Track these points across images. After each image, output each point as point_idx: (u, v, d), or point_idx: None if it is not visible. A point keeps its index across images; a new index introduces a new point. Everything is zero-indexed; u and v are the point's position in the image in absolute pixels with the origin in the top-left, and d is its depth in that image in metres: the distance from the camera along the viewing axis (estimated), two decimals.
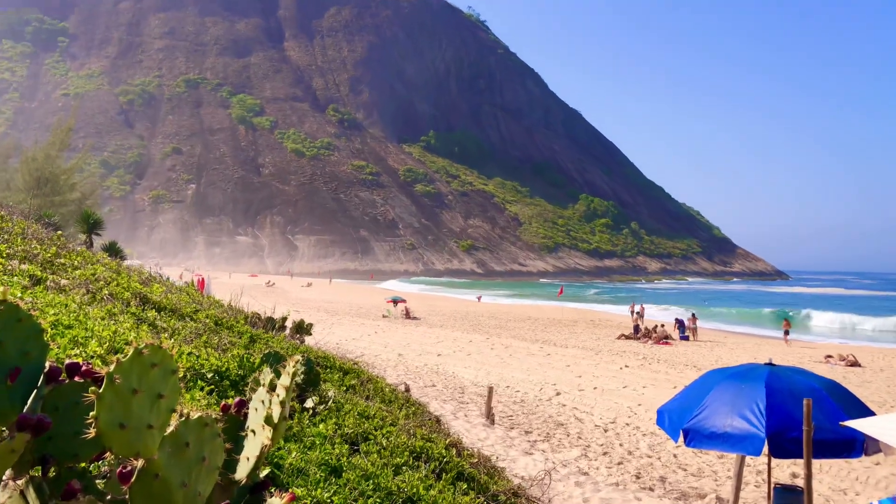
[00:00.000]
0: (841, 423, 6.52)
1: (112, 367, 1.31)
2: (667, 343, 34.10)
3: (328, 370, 7.82)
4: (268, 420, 1.71)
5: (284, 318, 11.51)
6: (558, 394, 18.24)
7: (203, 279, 35.77)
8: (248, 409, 1.83)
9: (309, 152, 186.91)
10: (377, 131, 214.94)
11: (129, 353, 1.35)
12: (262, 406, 1.78)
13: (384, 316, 43.28)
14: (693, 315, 39.25)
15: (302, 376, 5.19)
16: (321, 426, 4.67)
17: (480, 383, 18.90)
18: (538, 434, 13.71)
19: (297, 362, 1.86)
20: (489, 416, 14.02)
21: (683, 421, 7.23)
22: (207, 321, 7.92)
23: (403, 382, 14.61)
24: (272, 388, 1.80)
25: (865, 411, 7.31)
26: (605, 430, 14.38)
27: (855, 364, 27.48)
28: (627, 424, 15.03)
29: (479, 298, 73.91)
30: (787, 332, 37.53)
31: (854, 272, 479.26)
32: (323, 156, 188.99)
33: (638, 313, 42.13)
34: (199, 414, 1.46)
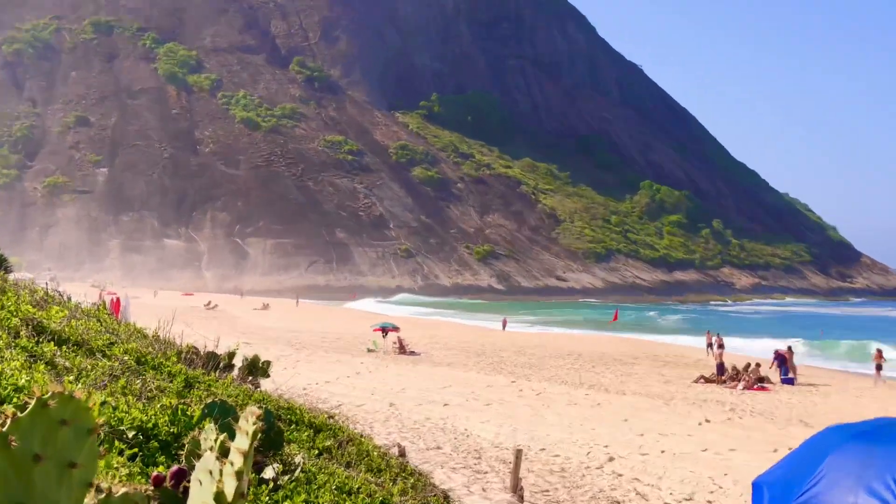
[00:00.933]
0: None
1: (6, 425, 1.24)
2: (763, 388, 33.98)
3: (294, 427, 7.82)
4: (218, 498, 1.66)
5: (232, 354, 11.53)
6: (612, 459, 18.17)
7: (118, 299, 35.84)
8: (188, 481, 1.82)
9: (265, 123, 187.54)
10: (360, 94, 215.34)
11: (31, 406, 1.28)
12: (210, 478, 1.73)
13: (370, 350, 43.28)
14: (789, 348, 39.06)
15: (259, 436, 5.19)
16: None
17: (504, 444, 18.85)
18: None
19: (258, 417, 1.83)
20: (516, 490, 13.98)
21: (789, 499, 7.18)
22: (127, 358, 7.91)
23: (397, 444, 14.60)
24: (223, 452, 1.77)
25: None
26: None
27: None
28: (710, 502, 14.96)
29: (503, 325, 73.97)
30: (879, 368, 37.77)
31: None
32: (285, 128, 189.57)
33: (719, 345, 42.08)
34: (125, 489, 1.41)
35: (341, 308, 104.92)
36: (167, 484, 1.69)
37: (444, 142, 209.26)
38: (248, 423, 1.74)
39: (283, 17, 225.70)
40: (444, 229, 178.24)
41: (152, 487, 1.61)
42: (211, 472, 1.66)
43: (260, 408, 5.42)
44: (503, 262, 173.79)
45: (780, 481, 7.62)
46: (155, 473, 1.73)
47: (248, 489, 4.71)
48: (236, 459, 1.62)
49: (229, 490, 1.55)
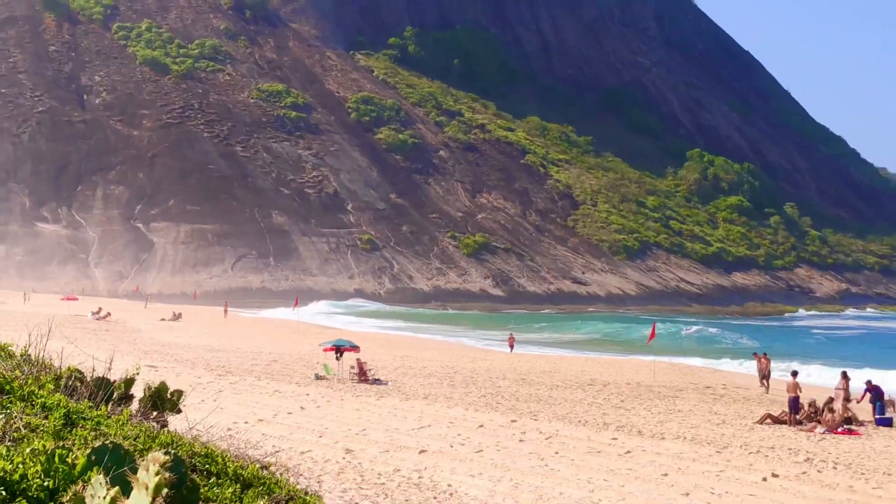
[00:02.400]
0: None
1: None
2: (852, 432, 34.12)
3: (214, 480, 7.79)
4: None
5: (130, 382, 11.49)
6: None
7: None
8: None
9: (178, 66, 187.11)
10: (307, 28, 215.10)
11: None
12: None
13: (319, 377, 43.23)
14: (868, 383, 39.20)
15: (166, 491, 5.17)
16: None
17: None
18: None
19: (161, 465, 1.82)
20: None
21: None
22: None
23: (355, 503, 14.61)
24: None
25: None
26: None
27: None
28: None
29: (510, 343, 74.26)
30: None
31: None
32: (205, 73, 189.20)
33: (793, 374, 42.28)
34: None
35: (285, 320, 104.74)
36: None
37: (421, 94, 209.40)
38: (148, 473, 1.76)
39: None
40: (420, 213, 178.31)
41: None
42: None
43: (167, 454, 5.39)
44: (502, 259, 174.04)
45: None
46: None
47: None
48: None
49: None
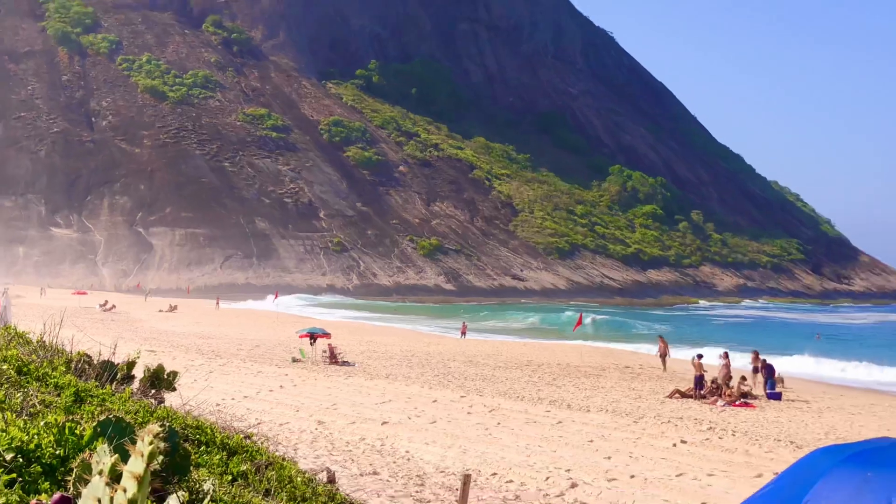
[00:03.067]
0: None
1: None
2: (747, 404, 34.43)
3: (204, 448, 7.75)
4: None
5: (132, 364, 11.39)
6: (575, 485, 18.30)
7: None
8: None
9: (174, 93, 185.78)
10: (286, 61, 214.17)
11: None
12: None
13: (295, 360, 43.10)
14: (756, 353, 39.48)
15: (162, 458, 5.14)
16: None
17: (451, 469, 18.89)
18: None
19: (155, 436, 1.79)
20: None
21: None
22: (5, 367, 7.80)
23: (326, 468, 14.55)
24: (114, 477, 1.72)
25: None
26: None
27: None
28: None
29: (462, 330, 74.15)
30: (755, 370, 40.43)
31: None
32: (197, 99, 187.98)
33: (698, 356, 42.62)
34: None
35: (268, 311, 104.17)
36: None
37: (384, 117, 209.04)
38: (143, 443, 1.73)
39: None
40: (383, 220, 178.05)
41: None
42: (100, 501, 1.66)
43: (161, 426, 5.36)
44: (453, 259, 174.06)
45: None
46: (33, 501, 1.70)
47: None
48: (129, 485, 1.58)
49: None
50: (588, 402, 32.61)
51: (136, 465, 1.59)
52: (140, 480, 1.55)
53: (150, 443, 1.67)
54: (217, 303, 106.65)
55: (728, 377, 37.02)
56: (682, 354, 53.84)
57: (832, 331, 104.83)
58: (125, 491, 1.54)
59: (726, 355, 39.13)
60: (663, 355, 48.07)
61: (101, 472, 1.73)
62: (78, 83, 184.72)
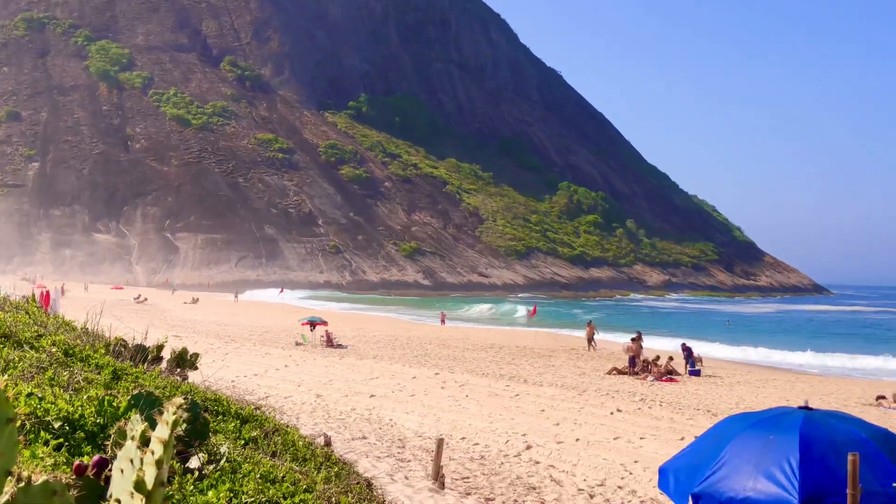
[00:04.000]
0: (895, 484, 6.73)
1: None
2: (672, 380, 34.65)
3: (220, 417, 7.74)
4: (138, 486, 1.65)
5: (161, 347, 11.33)
6: (530, 447, 18.35)
7: (48, 292, 34.97)
8: (110, 470, 1.78)
9: (196, 121, 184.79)
10: (290, 94, 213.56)
11: None
12: (131, 467, 1.72)
13: (298, 343, 42.98)
14: (639, 334, 39.62)
15: (185, 426, 5.12)
16: (210, 493, 4.61)
17: (427, 434, 18.91)
18: (503, 502, 13.76)
19: (178, 407, 1.80)
20: (438, 477, 14.04)
21: (693, 483, 7.36)
22: (54, 350, 7.75)
23: (323, 434, 14.53)
24: (144, 442, 1.75)
25: None
26: (591, 496, 14.52)
27: None
28: (620, 488, 15.20)
29: (442, 319, 74.09)
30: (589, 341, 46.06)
31: None
32: (216, 126, 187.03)
33: (633, 339, 42.70)
34: (45, 478, 1.40)
35: (274, 303, 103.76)
36: (89, 472, 1.66)
37: (372, 141, 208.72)
38: (168, 413, 1.75)
39: (214, 17, 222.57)
40: (371, 227, 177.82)
41: (74, 476, 1.58)
42: (132, 461, 1.76)
43: (185, 399, 5.35)
44: (429, 259, 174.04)
45: (684, 467, 7.79)
46: (77, 462, 1.70)
47: (173, 478, 4.66)
48: (156, 448, 1.67)
49: (149, 478, 1.69)
50: (541, 378, 32.69)
51: (162, 432, 1.60)
52: (165, 444, 1.57)
53: (174, 413, 1.68)
54: (236, 296, 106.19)
55: (639, 353, 37.03)
56: (617, 338, 54.16)
57: (740, 319, 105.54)
58: (153, 453, 1.56)
59: (639, 336, 39.16)
60: (590, 338, 48.30)
61: (132, 438, 1.75)
62: (116, 112, 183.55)
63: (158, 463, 1.70)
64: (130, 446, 1.69)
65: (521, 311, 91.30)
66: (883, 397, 29.97)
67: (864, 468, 6.79)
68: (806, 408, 8.08)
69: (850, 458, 6.67)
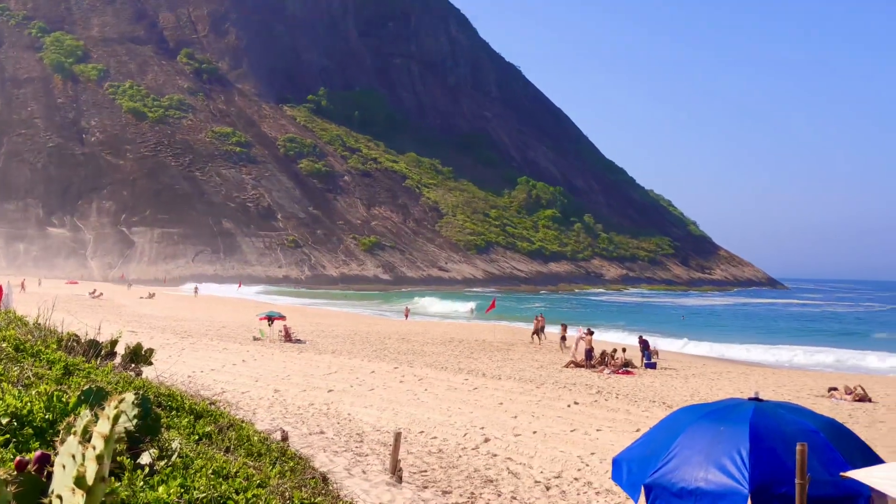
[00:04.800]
0: (842, 473, 6.85)
1: None
2: (628, 372, 34.95)
3: (174, 413, 7.67)
4: (79, 482, 1.62)
5: (115, 342, 11.21)
6: (487, 440, 18.42)
7: (0, 287, 34.41)
8: (52, 465, 1.81)
9: (153, 114, 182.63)
10: (248, 87, 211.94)
11: None
12: (73, 462, 1.71)
13: (255, 339, 42.70)
14: (589, 331, 39.93)
15: (135, 421, 5.07)
16: (161, 489, 4.57)
17: (385, 428, 18.91)
18: (460, 494, 13.80)
19: (120, 402, 1.79)
20: (395, 471, 14.04)
21: (645, 474, 7.43)
22: (4, 346, 7.66)
23: (280, 428, 14.47)
24: (87, 437, 1.78)
25: (873, 458, 7.71)
26: (548, 488, 14.61)
27: (864, 399, 28.88)
28: (577, 479, 15.31)
29: (406, 314, 73.91)
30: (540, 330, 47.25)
31: (866, 281, 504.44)
32: (172, 119, 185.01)
33: (588, 332, 42.93)
34: None
35: (234, 298, 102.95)
36: (30, 468, 1.65)
37: (331, 135, 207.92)
38: (109, 408, 1.75)
39: (171, 9, 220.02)
40: (331, 221, 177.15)
41: (14, 472, 1.58)
42: (73, 457, 1.75)
43: (136, 394, 5.29)
44: (389, 253, 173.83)
45: (637, 459, 7.86)
46: (18, 458, 1.69)
47: (122, 474, 4.60)
48: (98, 443, 1.59)
49: (90, 474, 1.67)
50: (499, 372, 32.81)
51: (103, 427, 1.60)
52: (107, 439, 1.58)
53: (115, 408, 1.70)
54: (196, 290, 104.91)
55: (590, 350, 37.30)
56: (572, 332, 54.48)
57: (695, 312, 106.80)
58: (94, 448, 1.57)
59: (590, 332, 39.44)
60: (537, 331, 48.65)
61: (75, 433, 1.74)
62: (71, 105, 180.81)
63: (99, 458, 1.68)
64: (73, 442, 1.69)
65: (464, 306, 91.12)
66: (834, 389, 30.50)
67: (812, 458, 6.91)
68: (756, 399, 8.20)
69: (798, 448, 6.78)
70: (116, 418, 1.69)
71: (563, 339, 48.02)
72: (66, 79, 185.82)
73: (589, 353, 36.85)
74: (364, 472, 14.20)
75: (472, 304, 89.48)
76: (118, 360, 11.14)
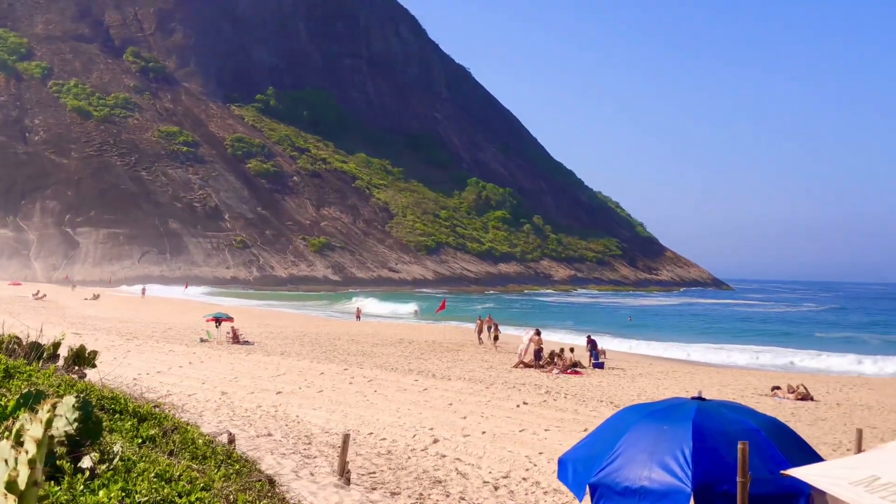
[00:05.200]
0: (783, 471, 6.96)
1: None
2: (577, 372, 35.19)
3: (118, 416, 7.56)
4: (10, 486, 1.62)
5: (57, 345, 11.03)
6: (437, 441, 18.43)
7: None
8: None
9: (98, 112, 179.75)
10: (195, 86, 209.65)
11: None
12: (5, 467, 1.70)
13: (202, 340, 42.25)
14: (537, 331, 40.10)
15: (75, 425, 4.99)
16: (101, 493, 4.50)
17: (334, 430, 18.82)
18: (409, 496, 13.79)
19: (54, 405, 1.78)
20: (343, 473, 13.98)
21: (590, 474, 7.49)
22: None
23: (227, 431, 14.32)
24: (19, 441, 1.77)
25: (813, 456, 7.86)
26: (496, 488, 14.66)
27: (807, 397, 29.46)
28: (525, 479, 15.38)
29: (357, 315, 73.37)
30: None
31: (809, 282, 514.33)
32: (118, 117, 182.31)
33: (536, 332, 43.16)
34: None
35: (181, 299, 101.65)
36: None
37: (280, 135, 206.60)
38: (42, 411, 1.74)
39: (117, 7, 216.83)
40: (280, 221, 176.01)
41: None
42: (6, 461, 1.72)
43: (77, 397, 5.21)
44: (338, 254, 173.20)
45: (582, 458, 7.92)
46: None
47: (62, 478, 4.53)
48: (30, 447, 1.57)
49: (22, 478, 1.67)
50: (449, 372, 32.86)
51: (35, 430, 1.59)
52: (39, 443, 1.56)
53: (48, 411, 1.69)
54: (143, 292, 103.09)
55: (539, 350, 37.57)
56: (519, 332, 54.76)
57: (642, 312, 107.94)
58: (27, 452, 1.56)
59: (537, 332, 39.68)
60: (480, 331, 48.86)
61: (7, 437, 1.73)
62: (14, 103, 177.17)
63: (31, 462, 1.67)
64: (5, 446, 1.69)
65: (406, 307, 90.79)
66: (778, 388, 31.05)
67: (753, 456, 7.02)
68: (699, 398, 8.31)
69: (739, 446, 6.88)
70: (50, 422, 1.68)
71: (480, 332, 48.64)
72: (10, 77, 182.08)
73: (538, 353, 37.07)
74: (312, 474, 14.12)
75: (415, 306, 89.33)
76: (61, 362, 10.97)
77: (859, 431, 13.54)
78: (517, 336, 48.88)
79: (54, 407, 1.75)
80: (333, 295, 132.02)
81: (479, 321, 50.38)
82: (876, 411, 27.60)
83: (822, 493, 6.94)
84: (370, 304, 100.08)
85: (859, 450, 12.72)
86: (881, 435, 21.62)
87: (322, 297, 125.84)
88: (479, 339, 48.30)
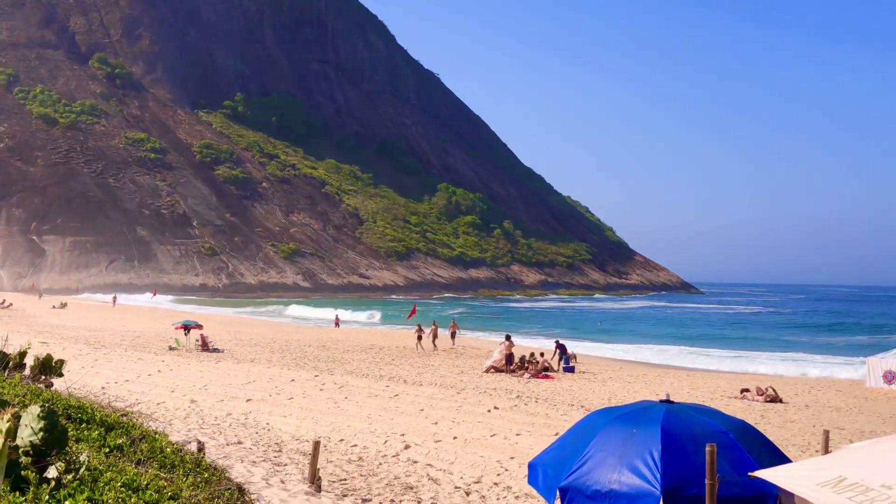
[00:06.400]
0: (751, 473, 7.02)
1: None
2: (548, 377, 35.28)
3: (84, 425, 7.48)
4: None
5: (23, 354, 10.91)
6: (408, 447, 18.40)
7: None
8: None
9: (64, 119, 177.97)
10: (162, 92, 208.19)
11: None
12: None
13: (171, 348, 41.92)
14: (507, 337, 40.17)
15: (40, 434, 4.93)
16: (67, 503, 4.45)
17: (304, 437, 18.74)
18: (380, 502, 13.76)
19: (13, 415, 1.79)
20: (314, 480, 13.93)
21: (560, 478, 7.51)
22: None
23: (196, 439, 14.23)
24: None
25: (781, 458, 7.93)
26: (468, 493, 14.66)
27: (776, 400, 29.72)
28: (496, 484, 15.39)
29: (336, 322, 73.05)
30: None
31: (779, 285, 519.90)
32: (85, 124, 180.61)
33: (506, 337, 43.27)
34: None
35: (150, 307, 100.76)
36: None
37: (248, 141, 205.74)
38: (2, 421, 1.75)
39: (83, 13, 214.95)
40: (249, 228, 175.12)
41: None
42: None
43: (42, 406, 5.15)
44: (309, 261, 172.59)
45: (552, 462, 7.95)
46: None
47: (27, 488, 4.47)
48: None
49: None
50: (420, 378, 32.84)
51: None
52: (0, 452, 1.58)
53: (7, 421, 1.69)
54: (114, 300, 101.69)
55: (510, 355, 37.64)
56: (491, 338, 54.86)
57: (612, 317, 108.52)
58: None
59: (508, 337, 39.80)
60: (435, 336, 48.78)
61: None
62: None
63: None
64: None
65: (328, 313, 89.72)
66: (746, 390, 31.30)
67: (721, 459, 7.08)
68: (667, 401, 8.36)
69: (707, 449, 6.94)
70: (10, 432, 1.69)
71: (420, 337, 48.14)
72: None
73: (509, 358, 37.13)
74: (283, 481, 14.05)
75: (335, 312, 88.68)
76: (28, 371, 10.85)
77: (826, 433, 13.72)
78: (491, 342, 48.99)
79: (17, 417, 1.77)
80: (258, 300, 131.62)
81: (433, 326, 49.74)
82: (844, 413, 27.92)
83: (789, 495, 7.01)
84: (298, 311, 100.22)
85: (826, 451, 12.88)
86: (849, 436, 21.87)
87: (242, 302, 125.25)
88: (419, 345, 47.48)
